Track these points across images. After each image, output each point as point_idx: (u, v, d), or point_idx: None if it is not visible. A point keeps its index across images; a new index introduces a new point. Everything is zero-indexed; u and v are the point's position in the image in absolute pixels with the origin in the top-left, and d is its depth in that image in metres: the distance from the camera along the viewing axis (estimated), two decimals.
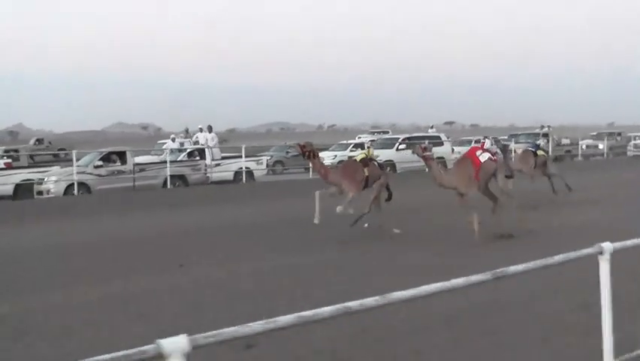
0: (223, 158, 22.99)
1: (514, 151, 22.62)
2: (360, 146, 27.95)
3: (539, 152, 14.88)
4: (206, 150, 21.71)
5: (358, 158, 10.74)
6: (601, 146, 36.59)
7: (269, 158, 26.57)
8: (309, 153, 10.21)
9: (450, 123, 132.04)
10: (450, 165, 15.35)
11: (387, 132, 43.14)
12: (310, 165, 10.58)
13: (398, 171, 24.94)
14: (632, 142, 38.35)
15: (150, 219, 13.96)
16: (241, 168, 21.69)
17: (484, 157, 9.79)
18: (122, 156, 19.59)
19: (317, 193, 10.00)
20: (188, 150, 22.56)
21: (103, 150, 20.67)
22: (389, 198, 10.90)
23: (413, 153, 10.24)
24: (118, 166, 19.28)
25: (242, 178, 21.38)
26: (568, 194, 14.36)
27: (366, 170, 10.27)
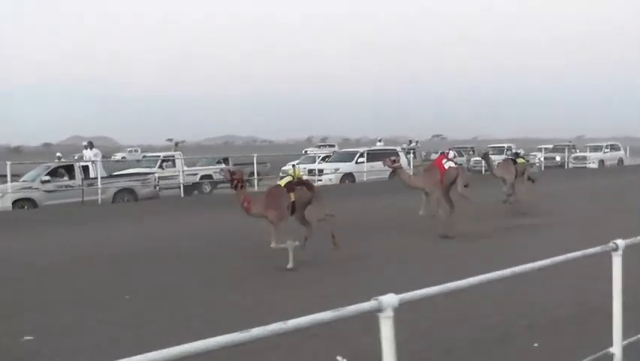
0: (112, 176, 21.18)
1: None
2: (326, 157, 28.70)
3: (519, 160, 15.36)
4: (90, 165, 19.75)
5: (282, 182, 9.55)
6: (558, 158, 38.77)
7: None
8: (237, 182, 9.00)
9: (438, 136, 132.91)
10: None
11: (334, 146, 43.54)
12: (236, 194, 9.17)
13: (357, 182, 26.29)
14: (573, 155, 39.53)
15: None
16: (123, 187, 19.67)
17: (448, 165, 11.69)
18: (70, 170, 18.88)
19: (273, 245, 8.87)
20: (51, 168, 19.17)
21: (49, 163, 19.93)
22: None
23: (384, 165, 11.98)
24: (66, 181, 18.57)
25: (124, 198, 19.37)
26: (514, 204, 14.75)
27: (292, 195, 9.21)
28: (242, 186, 9.06)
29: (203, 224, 14.46)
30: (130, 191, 19.50)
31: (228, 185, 10.12)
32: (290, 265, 8.72)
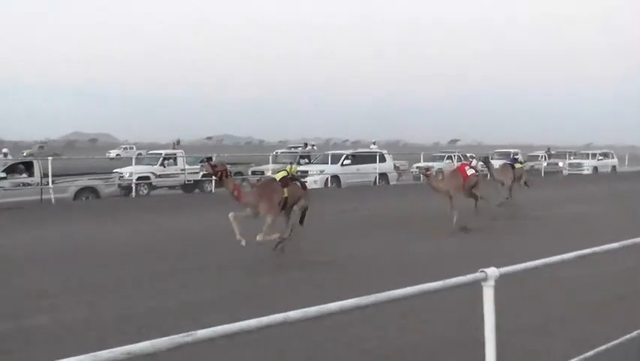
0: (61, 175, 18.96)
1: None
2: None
3: (517, 165, 16.27)
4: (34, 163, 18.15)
5: (278, 176, 9.54)
6: (561, 164, 39.03)
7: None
8: (221, 173, 8.99)
9: (454, 141, 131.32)
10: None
11: (307, 146, 42.26)
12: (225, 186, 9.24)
13: (343, 186, 25.51)
14: (568, 161, 39.22)
15: None
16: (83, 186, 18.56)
17: (470, 172, 13.37)
18: (29, 166, 17.80)
19: (231, 215, 8.80)
20: (8, 164, 18.26)
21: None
22: (301, 221, 9.82)
23: (419, 173, 14.85)
24: (24, 178, 17.50)
25: (86, 197, 18.40)
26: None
27: (285, 190, 9.23)
28: (227, 175, 9.01)
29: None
30: (92, 190, 18.43)
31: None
32: (259, 238, 8.66)
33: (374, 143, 34.56)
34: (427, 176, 13.30)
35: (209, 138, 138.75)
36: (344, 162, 26.09)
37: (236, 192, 9.01)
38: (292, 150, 36.07)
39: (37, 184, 17.50)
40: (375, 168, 26.78)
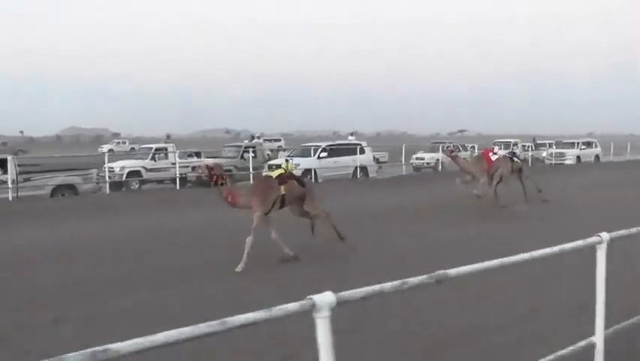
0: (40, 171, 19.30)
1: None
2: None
3: (515, 159, 16.82)
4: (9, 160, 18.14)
5: (274, 174, 9.23)
6: (544, 154, 39.89)
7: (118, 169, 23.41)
8: (217, 177, 8.58)
9: (462, 131, 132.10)
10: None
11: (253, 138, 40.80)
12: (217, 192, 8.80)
13: (319, 180, 24.73)
14: (550, 150, 39.62)
15: None
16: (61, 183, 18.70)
17: (494, 157, 14.73)
18: (2, 164, 18.01)
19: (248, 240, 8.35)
20: None
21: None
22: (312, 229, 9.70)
23: (443, 153, 18.59)
24: None
25: (63, 194, 18.54)
26: (538, 195, 16.16)
27: (282, 188, 8.91)
28: (222, 183, 8.66)
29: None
30: (70, 187, 18.79)
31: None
32: (239, 268, 8.16)
33: (352, 134, 33.28)
34: (452, 157, 14.77)
35: (227, 132, 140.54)
36: (320, 155, 25.68)
37: (230, 198, 8.67)
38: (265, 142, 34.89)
39: (13, 182, 17.82)
40: (354, 161, 26.40)
